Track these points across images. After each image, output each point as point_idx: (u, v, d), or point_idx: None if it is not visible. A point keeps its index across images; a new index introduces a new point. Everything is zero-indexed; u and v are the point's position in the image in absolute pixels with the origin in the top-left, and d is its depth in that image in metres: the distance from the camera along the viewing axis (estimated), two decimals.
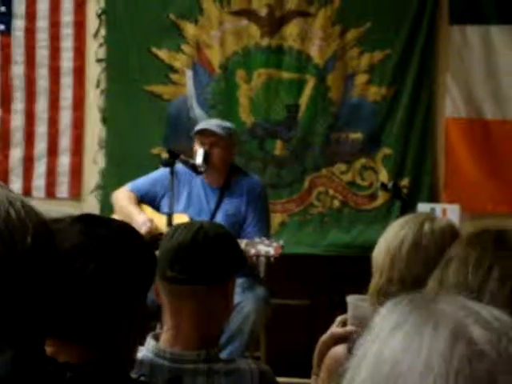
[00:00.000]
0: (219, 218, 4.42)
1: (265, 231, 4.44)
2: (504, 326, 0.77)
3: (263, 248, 4.06)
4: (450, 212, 5.10)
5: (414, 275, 2.03)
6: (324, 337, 2.19)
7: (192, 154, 4.48)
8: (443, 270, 1.50)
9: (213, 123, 4.57)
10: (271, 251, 4.05)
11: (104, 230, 1.55)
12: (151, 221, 4.40)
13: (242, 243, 4.06)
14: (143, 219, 4.38)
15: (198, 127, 4.51)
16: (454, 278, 1.48)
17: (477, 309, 0.78)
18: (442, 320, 0.77)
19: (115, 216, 4.41)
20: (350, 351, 2.05)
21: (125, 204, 4.55)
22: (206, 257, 2.09)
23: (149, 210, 4.56)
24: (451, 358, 0.74)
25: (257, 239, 4.13)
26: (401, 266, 2.06)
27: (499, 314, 0.78)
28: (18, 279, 1.11)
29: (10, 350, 1.09)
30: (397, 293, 2.02)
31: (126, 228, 1.64)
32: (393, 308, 0.81)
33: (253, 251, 4.05)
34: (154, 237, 4.28)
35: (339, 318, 2.21)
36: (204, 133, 4.45)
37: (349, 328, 2.15)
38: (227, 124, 4.58)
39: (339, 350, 2.11)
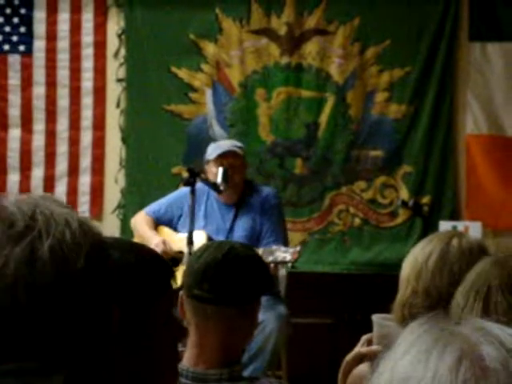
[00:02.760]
0: (236, 235, 4.43)
1: (281, 240, 4.44)
2: None
3: (280, 254, 4.05)
4: (471, 229, 5.08)
5: (438, 288, 2.03)
6: (349, 356, 2.17)
7: (206, 176, 4.47)
8: (484, 300, 1.49)
9: (229, 144, 4.58)
10: (288, 257, 4.04)
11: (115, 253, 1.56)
12: (164, 242, 4.41)
13: (259, 251, 4.08)
14: (156, 241, 4.39)
15: (219, 151, 4.48)
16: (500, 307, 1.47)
17: (496, 332, 0.78)
18: (453, 340, 0.78)
19: (135, 240, 4.43)
20: (373, 370, 2.03)
21: (141, 228, 4.57)
22: (236, 278, 2.08)
23: (166, 232, 4.57)
24: (457, 373, 0.75)
25: (274, 247, 4.13)
26: (426, 278, 2.06)
27: None
28: (70, 300, 1.10)
29: (60, 374, 1.08)
30: (421, 305, 2.02)
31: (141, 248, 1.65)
32: (412, 328, 0.82)
33: (270, 258, 4.04)
34: (172, 256, 4.30)
35: (364, 337, 2.19)
36: (225, 155, 4.45)
37: (374, 347, 2.14)
38: (238, 143, 4.61)
39: (363, 368, 2.10)
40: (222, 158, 4.44)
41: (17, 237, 1.10)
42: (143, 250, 1.66)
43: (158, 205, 4.63)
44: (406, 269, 2.10)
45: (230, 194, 4.49)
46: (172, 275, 1.67)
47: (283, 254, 4.06)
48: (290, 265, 4.09)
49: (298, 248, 4.12)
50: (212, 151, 4.51)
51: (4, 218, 1.12)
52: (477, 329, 0.78)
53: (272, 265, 4.04)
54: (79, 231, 1.12)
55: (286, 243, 4.45)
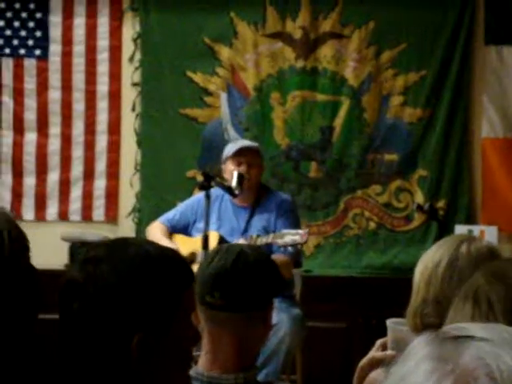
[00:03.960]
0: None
1: None
2: None
3: (290, 237, 4.06)
4: (487, 234, 5.06)
5: (448, 296, 2.02)
6: (363, 361, 2.17)
7: (221, 177, 4.48)
8: (489, 313, 1.49)
9: (247, 142, 4.60)
10: (298, 239, 4.05)
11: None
12: (178, 249, 4.41)
13: (270, 237, 4.08)
14: None
15: (235, 148, 4.50)
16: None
17: (494, 362, 0.78)
18: (447, 374, 0.78)
19: None
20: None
21: (155, 236, 4.58)
22: (247, 284, 2.08)
23: (180, 238, 4.57)
24: None
25: (283, 231, 4.14)
26: (436, 286, 2.05)
27: None
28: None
29: None
30: (432, 314, 2.01)
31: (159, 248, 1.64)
32: (413, 349, 0.82)
33: (280, 242, 4.05)
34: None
35: (379, 342, 2.18)
36: (242, 153, 4.45)
37: (389, 352, 2.13)
38: (256, 144, 4.62)
39: (378, 374, 2.10)
40: (240, 154, 4.44)
41: None
42: (165, 248, 1.65)
43: (173, 213, 4.64)
44: (417, 276, 2.09)
45: (246, 194, 4.49)
46: (192, 273, 1.67)
47: (293, 236, 4.07)
48: (300, 246, 4.10)
49: (307, 230, 4.14)
50: (230, 149, 4.53)
51: None
52: (477, 358, 0.78)
53: (284, 258, 4.05)
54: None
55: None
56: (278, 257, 4.02)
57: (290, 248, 4.16)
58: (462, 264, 2.05)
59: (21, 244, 1.20)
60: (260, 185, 4.58)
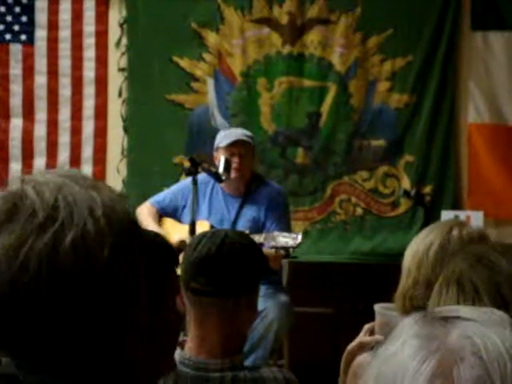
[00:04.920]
0: (240, 226, 4.42)
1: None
2: (501, 364, 0.77)
3: (282, 240, 4.06)
4: (473, 219, 5.08)
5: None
6: (351, 345, 2.18)
7: (213, 164, 4.48)
8: (458, 282, 1.49)
9: (240, 133, 4.56)
10: (290, 242, 4.05)
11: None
12: (166, 236, 4.40)
13: (261, 237, 4.08)
14: None
15: (229, 140, 4.48)
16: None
17: (482, 342, 0.78)
18: (435, 351, 0.78)
19: None
20: None
21: (144, 220, 4.57)
22: (232, 269, 2.08)
23: (170, 223, 4.57)
24: None
25: (276, 232, 4.14)
26: (427, 269, 2.06)
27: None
28: (93, 293, 1.07)
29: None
30: (422, 296, 2.02)
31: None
32: (403, 327, 0.83)
33: (272, 243, 4.05)
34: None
35: (367, 326, 2.20)
36: (235, 144, 4.45)
37: (376, 336, 2.15)
38: (249, 132, 4.60)
39: (365, 357, 2.11)
40: (232, 146, 4.44)
41: (38, 229, 1.07)
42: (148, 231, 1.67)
43: (163, 195, 4.63)
44: (408, 259, 2.10)
45: (237, 184, 4.49)
46: (176, 257, 1.67)
47: (285, 239, 4.06)
48: (291, 250, 4.10)
49: (300, 234, 4.13)
50: (222, 139, 4.51)
51: (24, 208, 1.09)
52: (465, 337, 0.79)
53: (273, 250, 4.05)
54: (103, 220, 1.08)
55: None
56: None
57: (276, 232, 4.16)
58: (453, 248, 2.06)
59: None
60: (253, 174, 4.58)
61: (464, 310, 0.83)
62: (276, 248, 4.07)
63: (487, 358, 0.77)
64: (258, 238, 4.05)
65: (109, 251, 1.07)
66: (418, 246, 2.10)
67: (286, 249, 4.08)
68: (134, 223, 1.13)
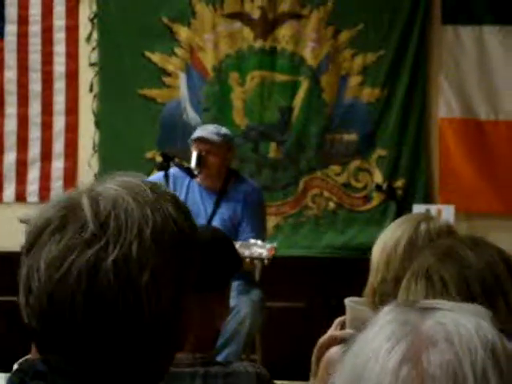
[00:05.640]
0: (215, 223, 4.41)
1: (261, 236, 4.43)
2: (471, 350, 0.77)
3: (257, 250, 4.07)
4: (444, 213, 5.11)
5: None
6: (322, 339, 2.18)
7: (189, 157, 4.48)
8: (426, 277, 1.50)
9: (210, 130, 4.55)
10: (264, 253, 4.06)
11: None
12: None
13: (236, 245, 4.06)
14: None
15: (195, 135, 4.50)
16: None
17: (455, 329, 0.79)
18: (407, 335, 0.79)
19: None
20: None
21: None
22: (205, 264, 2.08)
23: None
24: (397, 377, 0.76)
25: (251, 241, 4.13)
26: (395, 264, 2.06)
27: (485, 332, 0.79)
28: (129, 316, 1.07)
29: None
30: (391, 292, 2.03)
31: None
32: (380, 315, 0.83)
33: (246, 253, 4.05)
34: None
35: (338, 320, 2.20)
36: (201, 140, 4.45)
37: (347, 330, 2.15)
38: (224, 130, 4.57)
39: (336, 351, 2.11)
40: (199, 143, 4.44)
41: (84, 244, 1.07)
42: None
43: None
44: (376, 255, 2.10)
45: (210, 180, 4.48)
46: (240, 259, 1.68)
47: (260, 249, 4.07)
48: (266, 261, 4.10)
49: (275, 244, 4.13)
50: (195, 133, 4.53)
51: (76, 219, 1.09)
52: (439, 323, 0.79)
53: (248, 260, 4.05)
54: (150, 242, 1.07)
55: (263, 240, 4.44)
56: None
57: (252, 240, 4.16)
58: (421, 242, 2.06)
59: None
60: (230, 171, 4.57)
61: (442, 302, 0.83)
62: (251, 258, 4.07)
63: (458, 343, 0.77)
64: None
65: (149, 276, 1.07)
66: (386, 242, 2.10)
67: (260, 260, 4.09)
68: (186, 241, 1.12)
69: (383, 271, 2.07)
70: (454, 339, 0.77)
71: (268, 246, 4.10)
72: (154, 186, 1.14)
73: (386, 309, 0.84)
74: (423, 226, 2.11)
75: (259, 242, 4.14)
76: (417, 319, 0.80)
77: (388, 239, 2.10)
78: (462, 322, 0.79)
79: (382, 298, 2.07)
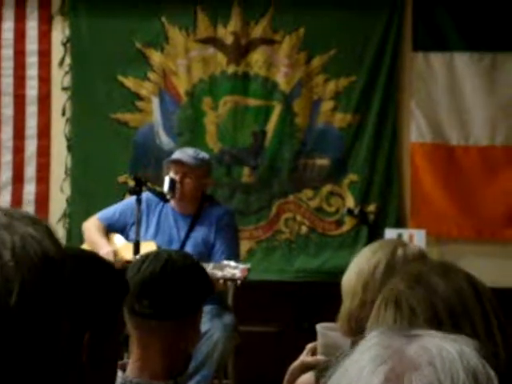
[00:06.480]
0: (189, 247, 4.41)
1: (233, 257, 4.43)
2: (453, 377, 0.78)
3: (230, 271, 4.06)
4: (416, 237, 5.13)
5: None
6: (293, 365, 2.18)
7: (162, 182, 4.47)
8: (396, 304, 1.51)
9: (188, 153, 4.54)
10: (237, 273, 4.05)
11: (77, 265, 1.56)
12: (114, 253, 4.37)
13: (209, 266, 4.06)
14: (106, 251, 4.34)
15: (172, 157, 4.50)
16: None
17: (438, 353, 0.79)
18: (390, 359, 0.79)
19: (85, 246, 4.39)
20: (317, 380, 2.05)
21: (92, 234, 4.53)
22: (176, 291, 2.08)
23: (116, 239, 4.53)
24: None
25: (224, 262, 4.13)
26: (374, 290, 2.05)
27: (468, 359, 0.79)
28: (3, 341, 1.03)
29: None
30: (369, 317, 2.03)
31: (96, 259, 1.65)
32: (367, 338, 0.84)
33: (219, 274, 4.04)
34: (120, 267, 4.26)
35: (309, 346, 2.20)
36: (177, 163, 4.45)
37: (318, 357, 2.15)
38: (202, 154, 4.57)
39: (308, 378, 2.11)
40: (175, 165, 4.45)
41: None
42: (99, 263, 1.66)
43: (112, 211, 4.59)
44: (352, 280, 2.10)
45: (184, 204, 4.48)
46: (127, 287, 1.67)
47: (233, 270, 4.06)
48: (239, 282, 4.09)
49: (248, 265, 4.13)
50: (172, 155, 4.53)
51: None
52: (423, 348, 0.80)
53: (221, 281, 4.05)
54: (12, 264, 1.04)
55: (237, 262, 4.43)
56: None
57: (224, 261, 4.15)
58: (399, 267, 2.07)
59: None
60: (204, 196, 4.57)
61: (429, 332, 0.84)
62: (224, 279, 4.06)
63: (440, 366, 0.78)
64: (205, 267, 4.02)
65: (16, 299, 1.03)
66: (362, 268, 2.09)
67: (233, 280, 4.09)
68: (52, 262, 1.08)
69: (361, 296, 2.07)
70: (436, 363, 0.78)
71: (241, 266, 4.10)
72: (9, 211, 1.10)
73: (373, 333, 0.84)
74: (400, 251, 2.12)
75: (232, 262, 4.14)
76: (401, 343, 0.80)
77: (364, 264, 2.10)
78: (445, 348, 0.80)
79: (359, 324, 2.06)
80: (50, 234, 1.10)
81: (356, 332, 2.04)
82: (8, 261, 1.04)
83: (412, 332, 0.83)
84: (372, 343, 0.82)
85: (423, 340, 0.81)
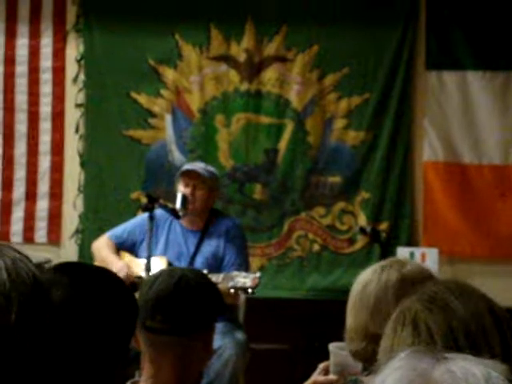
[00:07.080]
0: (198, 262, 4.41)
1: (243, 268, 4.44)
2: None
3: (240, 280, 4.06)
4: (428, 256, 5.12)
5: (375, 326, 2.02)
6: None
7: (174, 199, 4.48)
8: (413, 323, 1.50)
9: (198, 165, 4.59)
10: (248, 283, 4.05)
11: (91, 282, 1.56)
12: (128, 267, 4.39)
13: (220, 277, 4.07)
14: (120, 266, 4.36)
15: (184, 168, 4.53)
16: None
17: (466, 374, 0.79)
18: (413, 381, 0.79)
19: (96, 264, 4.40)
20: None
21: (103, 252, 4.54)
22: (189, 307, 2.08)
23: (127, 257, 4.54)
24: None
25: (234, 272, 4.13)
26: (387, 306, 2.05)
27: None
28: (6, 358, 1.06)
29: None
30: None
31: (109, 276, 1.65)
32: (392, 361, 0.83)
33: (230, 284, 4.04)
34: (132, 281, 4.27)
35: (321, 365, 2.20)
36: (189, 174, 4.47)
37: (330, 376, 2.15)
38: (211, 168, 4.61)
39: None
40: (187, 177, 4.46)
41: None
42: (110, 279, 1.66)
43: (121, 230, 4.61)
44: (349, 302, 2.10)
45: (194, 218, 4.49)
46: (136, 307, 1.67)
47: (243, 279, 4.06)
48: (250, 291, 4.09)
49: (258, 274, 4.12)
50: (182, 168, 4.54)
51: None
52: (448, 371, 0.79)
53: (232, 291, 4.04)
54: (8, 284, 1.07)
55: (247, 271, 4.44)
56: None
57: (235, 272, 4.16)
58: (412, 281, 2.06)
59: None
60: (211, 209, 4.58)
61: (459, 354, 0.83)
62: (235, 288, 4.06)
63: None
64: (216, 278, 4.03)
65: (15, 316, 1.06)
66: (353, 289, 2.08)
67: (244, 289, 4.08)
68: (40, 283, 1.13)
69: (354, 319, 2.05)
70: None
71: (251, 275, 4.10)
72: None
73: (401, 354, 0.84)
74: (384, 275, 2.10)
75: (243, 272, 4.14)
76: (428, 366, 0.80)
77: (375, 281, 2.09)
78: (471, 371, 0.79)
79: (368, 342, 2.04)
80: (30, 259, 1.15)
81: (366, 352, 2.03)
82: (5, 280, 1.08)
83: (441, 354, 0.83)
84: (398, 365, 0.81)
85: (450, 363, 0.80)
